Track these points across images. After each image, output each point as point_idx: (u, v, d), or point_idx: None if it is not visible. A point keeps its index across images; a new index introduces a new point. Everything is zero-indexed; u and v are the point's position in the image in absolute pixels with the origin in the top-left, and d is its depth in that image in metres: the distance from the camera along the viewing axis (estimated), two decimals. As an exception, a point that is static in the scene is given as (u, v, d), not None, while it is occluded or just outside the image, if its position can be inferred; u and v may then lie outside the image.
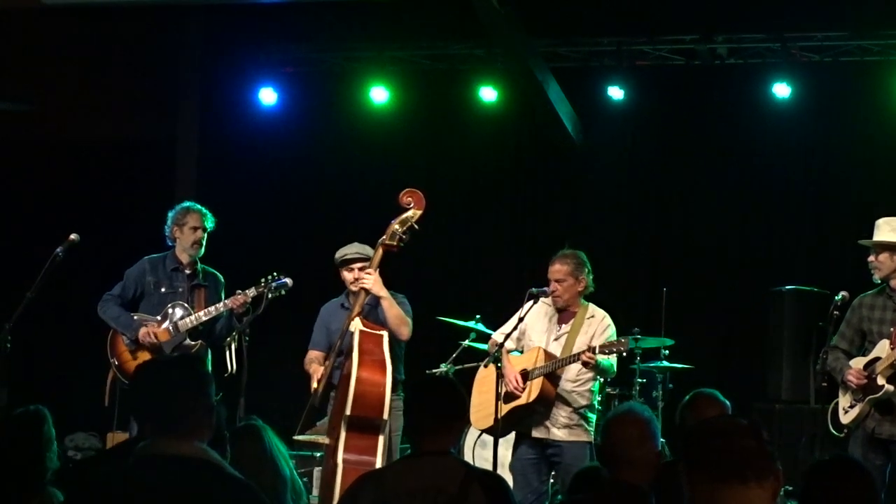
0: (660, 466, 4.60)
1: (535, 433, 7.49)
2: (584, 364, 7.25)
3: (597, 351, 7.18)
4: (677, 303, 10.22)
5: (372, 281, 7.39)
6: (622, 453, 4.47)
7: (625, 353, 7.51)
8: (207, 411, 3.87)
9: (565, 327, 7.56)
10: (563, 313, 7.62)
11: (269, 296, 7.76)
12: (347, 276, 7.67)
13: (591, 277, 7.60)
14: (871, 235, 7.44)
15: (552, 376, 7.40)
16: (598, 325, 7.54)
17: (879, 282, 7.36)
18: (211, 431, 3.89)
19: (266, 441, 5.09)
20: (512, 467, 7.71)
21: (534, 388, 7.42)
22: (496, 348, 7.46)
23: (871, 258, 7.37)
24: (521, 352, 7.70)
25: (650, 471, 4.51)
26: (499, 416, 7.20)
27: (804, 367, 9.99)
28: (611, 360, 7.43)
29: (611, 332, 7.53)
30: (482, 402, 7.52)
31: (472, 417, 7.70)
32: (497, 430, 7.23)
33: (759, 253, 11.24)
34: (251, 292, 7.90)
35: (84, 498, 4.03)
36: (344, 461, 6.97)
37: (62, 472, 5.09)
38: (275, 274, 7.92)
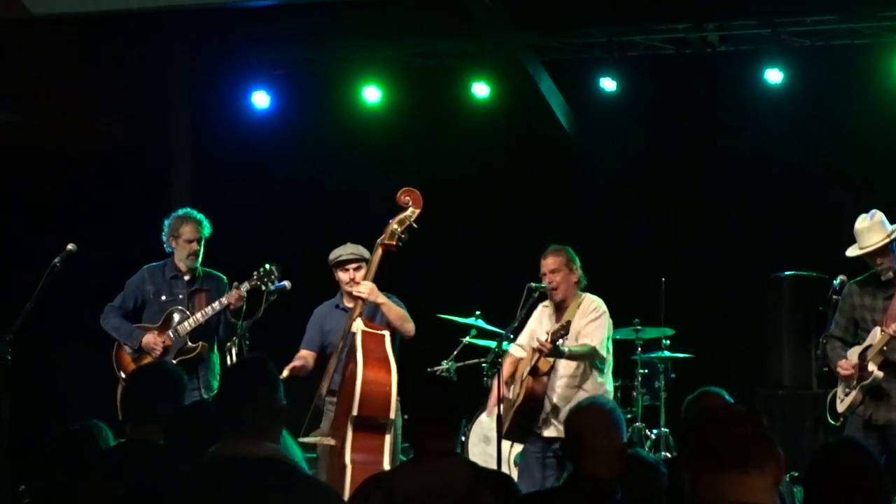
0: (626, 458, 4.48)
1: (546, 433, 7.44)
2: (540, 352, 7.18)
3: (548, 339, 7.09)
4: (676, 292, 10.22)
5: (367, 290, 7.37)
6: (586, 444, 4.36)
7: (566, 335, 7.20)
8: (277, 412, 3.91)
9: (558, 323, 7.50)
10: (561, 310, 7.57)
11: (270, 298, 7.72)
12: (343, 276, 7.67)
13: (581, 271, 7.57)
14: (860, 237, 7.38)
15: (536, 374, 7.35)
16: (584, 308, 7.47)
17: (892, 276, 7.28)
18: (280, 432, 3.93)
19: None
20: (520, 458, 7.70)
21: (520, 389, 7.41)
22: (498, 348, 7.50)
23: (873, 263, 7.30)
24: None
25: (616, 463, 4.39)
26: (503, 421, 7.30)
27: (805, 353, 9.96)
28: (578, 347, 7.26)
29: (595, 313, 7.44)
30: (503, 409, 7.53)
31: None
32: (500, 432, 7.28)
33: (757, 239, 11.22)
34: (245, 286, 7.86)
35: (154, 500, 4.00)
36: (352, 461, 6.98)
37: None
38: (266, 266, 7.87)
